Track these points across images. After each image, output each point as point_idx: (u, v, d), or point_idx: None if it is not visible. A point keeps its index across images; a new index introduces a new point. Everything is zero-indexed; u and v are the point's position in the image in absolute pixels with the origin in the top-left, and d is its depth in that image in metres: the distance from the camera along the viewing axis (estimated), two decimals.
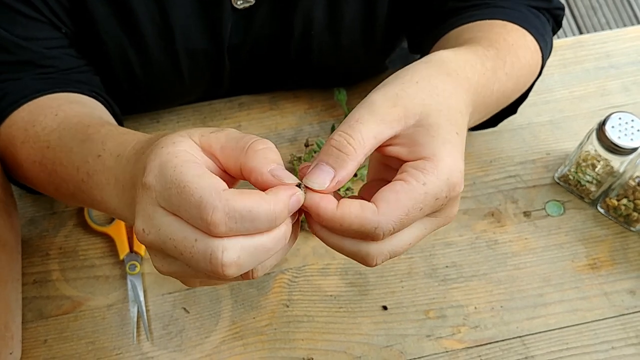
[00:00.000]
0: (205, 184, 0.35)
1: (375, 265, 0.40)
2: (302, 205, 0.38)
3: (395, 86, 0.41)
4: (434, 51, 0.62)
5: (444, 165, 0.39)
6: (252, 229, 0.35)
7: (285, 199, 0.36)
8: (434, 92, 0.42)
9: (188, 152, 0.37)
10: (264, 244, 0.36)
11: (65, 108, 0.57)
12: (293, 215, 0.38)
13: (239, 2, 0.62)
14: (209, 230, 0.35)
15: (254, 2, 0.62)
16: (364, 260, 0.40)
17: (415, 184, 0.38)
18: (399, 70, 0.44)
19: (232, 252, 0.35)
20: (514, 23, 0.61)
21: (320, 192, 0.38)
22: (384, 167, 0.44)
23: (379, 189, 0.39)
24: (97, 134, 0.50)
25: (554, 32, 0.69)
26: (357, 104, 0.41)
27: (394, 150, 0.41)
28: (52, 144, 0.54)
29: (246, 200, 0.35)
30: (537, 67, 0.63)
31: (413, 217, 0.39)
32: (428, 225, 0.41)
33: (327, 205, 0.38)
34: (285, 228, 0.37)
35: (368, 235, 0.38)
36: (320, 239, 0.40)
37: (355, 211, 0.38)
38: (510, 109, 0.66)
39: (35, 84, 0.58)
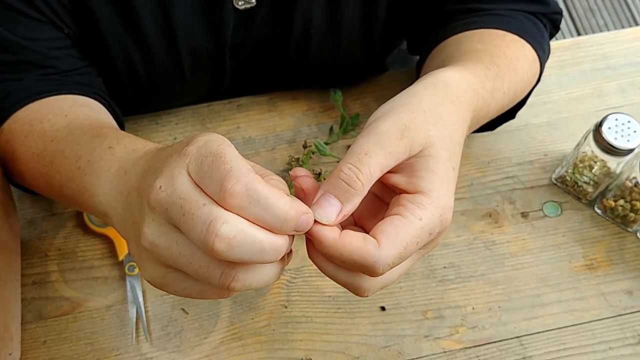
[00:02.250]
0: (241, 162, 0.35)
1: (367, 296, 0.41)
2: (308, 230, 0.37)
3: (403, 115, 0.41)
4: (433, 57, 0.63)
5: (439, 202, 0.40)
6: (260, 218, 0.35)
7: (301, 209, 0.36)
8: (439, 123, 0.42)
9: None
10: (262, 241, 0.35)
11: (75, 110, 0.57)
12: (290, 237, 0.38)
13: (240, 3, 0.62)
14: (222, 198, 0.35)
15: (255, 3, 0.63)
16: (356, 291, 0.41)
17: (413, 219, 0.39)
18: (406, 92, 0.44)
19: (231, 228, 0.35)
20: (513, 33, 0.61)
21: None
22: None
23: (358, 213, 0.40)
24: (114, 133, 0.50)
25: (552, 36, 0.70)
26: (365, 130, 0.40)
27: (393, 178, 0.41)
28: (59, 137, 0.53)
29: (268, 189, 0.35)
30: (534, 77, 0.64)
31: (410, 252, 0.39)
32: (416, 256, 0.43)
33: (329, 233, 0.38)
34: (284, 242, 0.37)
35: (367, 269, 0.38)
36: (316, 266, 0.40)
37: (357, 243, 0.38)
38: (509, 115, 0.67)
39: (39, 85, 0.58)
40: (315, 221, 0.38)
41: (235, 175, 0.35)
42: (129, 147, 0.46)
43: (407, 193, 0.40)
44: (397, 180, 0.41)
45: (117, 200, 0.43)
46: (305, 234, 0.38)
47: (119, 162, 0.45)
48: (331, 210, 0.38)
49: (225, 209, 0.35)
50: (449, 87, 0.46)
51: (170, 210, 0.36)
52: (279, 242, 0.36)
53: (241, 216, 0.35)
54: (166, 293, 0.65)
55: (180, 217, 0.35)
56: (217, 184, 0.35)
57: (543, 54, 0.64)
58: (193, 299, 0.65)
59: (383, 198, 0.44)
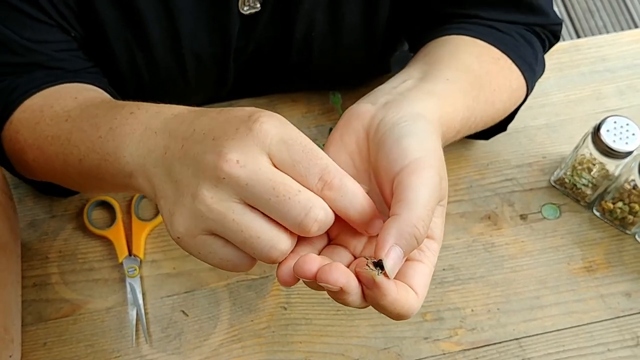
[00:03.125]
0: (327, 157, 0.39)
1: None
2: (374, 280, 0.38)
3: (441, 171, 0.42)
4: (426, 51, 0.62)
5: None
6: (344, 209, 0.39)
7: (376, 211, 0.41)
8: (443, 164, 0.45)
9: None
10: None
11: (85, 93, 0.57)
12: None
13: (245, 8, 0.63)
14: (321, 190, 0.39)
15: (260, 8, 0.63)
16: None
17: (431, 267, 0.43)
18: (426, 132, 0.44)
19: (326, 214, 0.38)
20: (506, 55, 0.61)
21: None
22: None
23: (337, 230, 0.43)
24: (131, 102, 0.49)
25: (552, 46, 0.70)
26: (419, 178, 0.40)
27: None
28: (73, 116, 0.53)
29: (356, 185, 0.40)
30: (514, 105, 0.64)
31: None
32: None
33: (393, 287, 0.39)
34: None
35: (401, 317, 0.40)
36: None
37: (412, 300, 0.40)
38: (499, 127, 0.67)
39: (46, 77, 0.59)
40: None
41: (332, 170, 0.39)
42: (151, 110, 0.46)
43: None
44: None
45: (147, 159, 0.43)
46: (363, 281, 0.38)
47: (144, 123, 0.45)
48: (397, 265, 0.38)
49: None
50: (438, 127, 0.48)
51: (254, 187, 0.37)
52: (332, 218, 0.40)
53: (329, 205, 0.39)
54: (166, 295, 0.65)
55: (272, 197, 0.37)
56: (316, 176, 0.39)
57: (533, 76, 0.64)
58: (192, 302, 0.65)
59: None
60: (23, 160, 0.58)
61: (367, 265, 0.37)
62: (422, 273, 0.41)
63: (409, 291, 0.40)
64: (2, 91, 0.58)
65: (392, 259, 0.38)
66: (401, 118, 0.44)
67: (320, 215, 0.38)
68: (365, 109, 0.46)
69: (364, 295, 0.39)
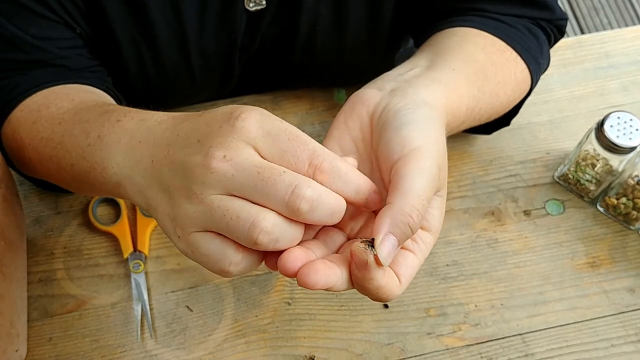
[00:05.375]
0: (313, 141, 0.39)
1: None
2: (371, 260, 0.38)
3: (440, 161, 0.43)
4: (432, 43, 0.62)
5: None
6: (339, 189, 0.39)
7: (372, 185, 0.41)
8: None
9: None
10: (334, 205, 0.39)
11: (82, 95, 0.57)
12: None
13: (251, 5, 0.63)
14: (312, 174, 0.38)
15: (265, 5, 0.63)
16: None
17: (421, 259, 0.42)
18: (428, 118, 0.44)
19: (314, 191, 0.38)
20: (511, 48, 0.61)
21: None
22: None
23: None
24: (121, 108, 0.50)
25: (557, 41, 0.70)
26: (415, 166, 0.41)
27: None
28: (66, 118, 0.53)
29: (347, 165, 0.40)
30: (519, 97, 0.65)
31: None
32: None
33: (380, 273, 0.39)
34: (345, 207, 0.40)
35: (381, 300, 0.40)
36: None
37: (394, 286, 0.40)
38: (503, 122, 0.68)
39: (46, 76, 0.59)
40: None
41: (321, 153, 0.38)
42: (136, 117, 0.46)
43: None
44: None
45: (134, 170, 0.43)
46: (356, 262, 0.38)
47: (130, 132, 0.45)
48: (392, 253, 0.38)
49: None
50: (442, 114, 0.48)
51: (240, 176, 0.37)
52: (344, 206, 0.39)
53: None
54: (171, 291, 0.66)
55: (258, 182, 0.37)
56: (305, 162, 0.38)
57: (537, 69, 0.64)
58: (197, 297, 0.65)
59: None
60: (21, 159, 0.59)
61: (361, 243, 0.38)
62: (410, 264, 0.41)
63: (394, 279, 0.40)
64: (3, 89, 0.59)
65: (386, 248, 0.38)
66: (405, 105, 0.44)
67: (307, 192, 0.37)
68: (370, 95, 0.47)
69: (351, 278, 0.39)
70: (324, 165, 0.39)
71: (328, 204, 0.38)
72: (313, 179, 0.38)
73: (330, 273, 0.38)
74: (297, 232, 0.39)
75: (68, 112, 0.54)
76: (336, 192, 0.39)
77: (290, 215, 0.38)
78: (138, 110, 0.48)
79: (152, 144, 0.42)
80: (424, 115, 0.44)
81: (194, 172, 0.38)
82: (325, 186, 0.39)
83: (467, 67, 0.55)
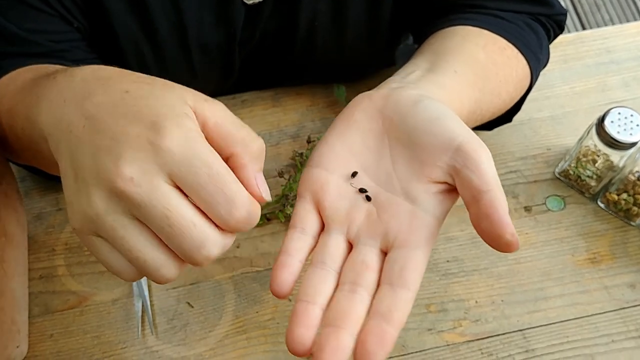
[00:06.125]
0: (235, 183, 0.36)
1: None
2: None
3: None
4: (433, 41, 0.62)
5: None
6: (248, 227, 0.38)
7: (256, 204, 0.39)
8: None
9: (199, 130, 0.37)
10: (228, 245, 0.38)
11: (51, 66, 0.55)
12: None
13: None
14: (227, 223, 0.36)
15: None
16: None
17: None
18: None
19: (219, 249, 0.37)
20: (512, 44, 0.61)
21: None
22: None
23: None
24: (62, 68, 0.46)
25: (556, 36, 0.70)
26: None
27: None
28: (25, 86, 0.51)
29: (256, 205, 0.38)
30: (520, 94, 0.64)
31: None
32: None
33: None
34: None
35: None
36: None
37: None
38: (505, 118, 0.68)
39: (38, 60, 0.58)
40: None
41: (240, 203, 0.36)
42: (68, 73, 0.42)
43: None
44: None
45: (55, 128, 0.40)
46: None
47: (57, 87, 0.42)
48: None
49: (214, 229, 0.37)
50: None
51: (148, 211, 0.35)
52: (256, 219, 0.38)
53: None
54: (172, 287, 0.66)
55: (165, 226, 0.35)
56: (224, 209, 0.36)
57: (537, 65, 0.64)
58: (198, 293, 0.65)
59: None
60: (2, 140, 0.57)
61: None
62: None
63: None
64: None
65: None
66: (420, 95, 0.44)
67: (213, 251, 0.36)
68: (377, 93, 0.46)
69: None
70: (241, 215, 0.36)
71: (224, 251, 0.38)
72: (225, 225, 0.37)
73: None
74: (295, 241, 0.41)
75: (28, 81, 0.51)
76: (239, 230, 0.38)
77: (188, 262, 0.37)
78: (75, 67, 0.44)
79: (74, 107, 0.39)
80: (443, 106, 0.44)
81: (100, 177, 0.36)
82: (233, 229, 0.37)
83: (468, 69, 0.55)
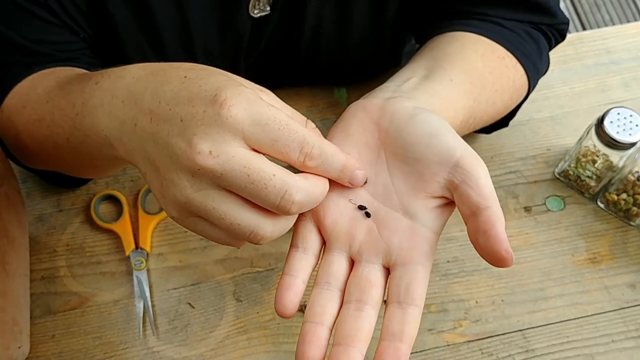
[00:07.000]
0: (301, 127, 0.39)
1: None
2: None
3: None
4: (431, 46, 0.62)
5: None
6: (326, 171, 0.41)
7: (356, 164, 0.42)
8: None
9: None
10: (320, 195, 0.41)
11: (66, 71, 0.56)
12: None
13: (255, 12, 0.63)
14: (303, 163, 0.39)
15: (269, 11, 0.63)
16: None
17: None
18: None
19: (303, 194, 0.39)
20: (511, 54, 0.61)
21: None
22: None
23: None
24: (98, 72, 0.48)
25: (557, 44, 0.69)
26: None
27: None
28: (52, 95, 0.53)
29: (332, 147, 0.41)
30: (515, 103, 0.64)
31: None
32: None
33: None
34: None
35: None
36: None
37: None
38: (501, 123, 0.68)
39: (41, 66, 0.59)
40: None
41: (310, 141, 0.39)
42: (113, 76, 0.45)
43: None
44: None
45: (121, 131, 0.42)
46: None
47: (110, 92, 0.44)
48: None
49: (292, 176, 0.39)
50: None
51: (229, 176, 0.37)
52: (327, 189, 0.41)
53: (310, 172, 0.40)
54: (173, 288, 0.66)
55: (247, 184, 0.38)
56: (296, 151, 0.39)
57: (536, 75, 0.64)
58: (199, 294, 0.65)
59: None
60: (19, 147, 0.58)
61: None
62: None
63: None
64: None
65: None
66: (416, 108, 0.45)
67: (297, 196, 0.38)
68: (372, 103, 0.46)
69: None
70: (314, 152, 0.39)
71: (314, 198, 0.40)
72: (303, 165, 0.40)
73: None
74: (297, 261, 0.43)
75: (53, 89, 0.53)
76: (323, 174, 0.41)
77: (280, 214, 0.40)
78: (114, 69, 0.46)
79: (134, 103, 0.41)
80: (440, 120, 0.45)
81: (179, 161, 0.38)
82: (314, 171, 0.40)
83: (465, 77, 0.55)
